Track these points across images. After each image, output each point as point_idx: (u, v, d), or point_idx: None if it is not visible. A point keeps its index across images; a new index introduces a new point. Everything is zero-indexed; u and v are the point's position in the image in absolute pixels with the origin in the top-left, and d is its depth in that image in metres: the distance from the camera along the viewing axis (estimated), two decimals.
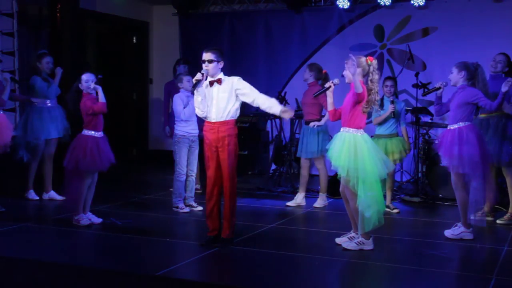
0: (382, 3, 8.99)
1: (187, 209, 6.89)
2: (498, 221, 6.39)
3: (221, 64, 5.46)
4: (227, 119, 5.44)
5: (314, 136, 7.08)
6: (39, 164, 7.40)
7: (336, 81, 5.41)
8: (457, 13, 8.87)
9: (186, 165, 6.93)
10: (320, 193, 7.31)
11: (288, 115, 5.37)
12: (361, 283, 4.77)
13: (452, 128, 5.71)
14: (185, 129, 6.90)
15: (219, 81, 5.44)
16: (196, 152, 6.96)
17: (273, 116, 9.26)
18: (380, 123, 6.97)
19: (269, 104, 5.39)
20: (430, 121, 7.93)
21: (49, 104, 7.33)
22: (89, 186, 6.21)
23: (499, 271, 4.84)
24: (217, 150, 5.46)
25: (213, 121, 5.46)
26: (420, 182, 7.80)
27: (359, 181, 5.22)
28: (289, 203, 7.32)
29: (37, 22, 8.98)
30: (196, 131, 6.92)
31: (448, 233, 5.74)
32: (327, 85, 5.41)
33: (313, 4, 9.88)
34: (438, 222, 6.31)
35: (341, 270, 5.08)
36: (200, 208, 6.92)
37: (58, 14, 8.70)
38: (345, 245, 5.36)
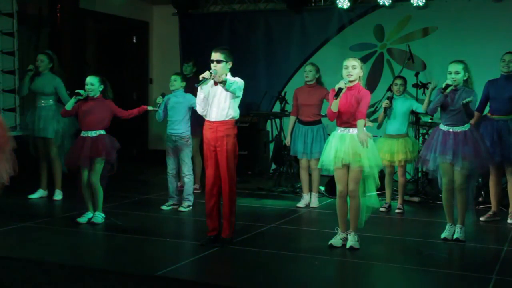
0: (382, 3, 8.99)
1: (165, 207, 7.01)
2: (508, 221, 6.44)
3: (229, 65, 5.46)
4: (226, 119, 5.44)
5: (318, 136, 7.08)
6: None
7: (346, 82, 5.35)
8: (457, 13, 8.87)
9: (171, 164, 6.99)
10: (313, 193, 7.32)
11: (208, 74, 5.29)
12: (361, 283, 4.77)
13: (460, 130, 5.65)
14: (168, 128, 6.99)
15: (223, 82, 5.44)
16: (183, 152, 6.95)
17: (273, 116, 9.27)
18: (388, 122, 6.97)
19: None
20: (430, 121, 7.92)
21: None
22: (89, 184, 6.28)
23: (499, 271, 4.84)
24: (215, 150, 5.46)
25: (212, 120, 5.46)
26: (420, 182, 7.80)
27: (375, 177, 5.41)
28: (299, 204, 7.31)
29: (37, 22, 8.97)
30: (176, 131, 6.92)
31: (461, 237, 5.69)
32: (342, 86, 5.25)
33: (313, 4, 9.87)
34: (438, 222, 6.30)
35: (341, 270, 5.08)
36: (183, 209, 6.91)
37: (58, 14, 8.71)
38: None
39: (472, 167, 5.65)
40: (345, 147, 5.29)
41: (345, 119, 5.35)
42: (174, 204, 7.06)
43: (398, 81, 7.06)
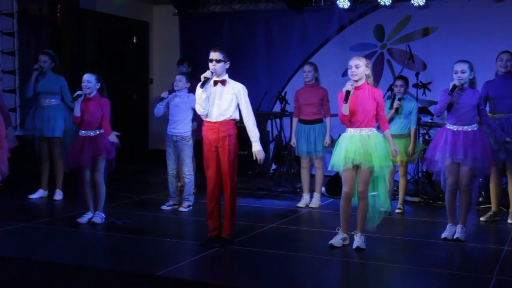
0: (382, 3, 8.99)
1: (165, 207, 7.02)
2: (509, 221, 6.45)
3: (227, 65, 5.47)
4: (228, 119, 5.45)
5: (320, 135, 7.10)
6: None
7: (353, 83, 5.30)
8: (457, 13, 8.88)
9: (172, 164, 6.98)
10: (316, 193, 7.31)
11: (259, 158, 5.49)
12: (361, 283, 4.77)
13: (470, 129, 5.65)
14: (169, 128, 6.98)
15: (223, 82, 5.44)
16: (184, 152, 6.94)
17: (273, 116, 9.28)
18: (390, 122, 6.97)
19: (251, 135, 5.51)
20: (430, 121, 7.93)
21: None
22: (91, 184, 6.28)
23: (499, 271, 4.84)
24: (217, 150, 5.46)
25: (213, 120, 5.46)
26: (420, 182, 7.81)
27: (385, 177, 5.39)
28: (299, 204, 7.31)
29: (37, 22, 8.99)
30: (178, 131, 6.91)
31: (462, 237, 5.69)
32: (349, 89, 5.21)
33: (313, 4, 9.89)
34: (438, 222, 6.31)
35: (341, 270, 5.08)
36: (183, 209, 6.92)
37: (58, 14, 8.72)
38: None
39: (480, 167, 5.65)
40: (355, 147, 5.26)
41: (355, 120, 5.32)
42: (174, 204, 7.06)
43: (398, 82, 7.05)
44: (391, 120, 6.95)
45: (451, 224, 5.78)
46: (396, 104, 6.89)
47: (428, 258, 5.26)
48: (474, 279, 4.72)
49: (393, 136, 6.93)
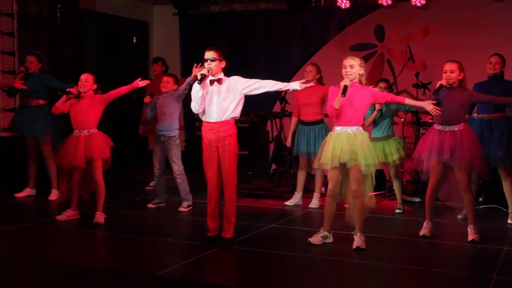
0: (382, 3, 8.99)
1: (151, 205, 7.08)
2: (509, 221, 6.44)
3: (222, 64, 5.48)
4: (227, 118, 5.44)
5: (320, 136, 7.09)
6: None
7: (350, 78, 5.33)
8: (457, 13, 8.88)
9: (158, 164, 6.97)
10: (315, 193, 7.31)
11: (310, 83, 5.54)
12: (361, 283, 4.76)
13: (457, 128, 5.64)
14: (157, 128, 6.99)
15: (220, 81, 5.45)
16: (172, 152, 6.90)
17: (273, 116, 9.27)
18: (375, 126, 6.95)
19: (284, 85, 5.55)
20: (430, 121, 7.92)
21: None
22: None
23: (499, 271, 4.84)
24: (217, 151, 5.45)
25: (213, 121, 5.45)
26: (420, 182, 7.80)
27: (372, 175, 5.40)
28: (287, 203, 7.33)
29: (37, 22, 8.98)
30: (164, 131, 6.90)
31: (477, 238, 5.64)
32: (347, 83, 5.24)
33: (313, 4, 9.87)
34: (438, 222, 6.30)
35: (341, 270, 5.08)
36: (183, 210, 6.92)
37: (58, 14, 8.71)
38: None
39: (470, 166, 5.64)
40: (342, 145, 5.30)
41: (342, 118, 5.35)
42: (159, 203, 7.05)
43: (382, 85, 7.03)
44: (374, 122, 6.92)
45: (427, 221, 5.84)
46: (377, 106, 6.85)
47: (428, 258, 5.26)
48: (474, 279, 4.72)
49: (378, 139, 6.94)
